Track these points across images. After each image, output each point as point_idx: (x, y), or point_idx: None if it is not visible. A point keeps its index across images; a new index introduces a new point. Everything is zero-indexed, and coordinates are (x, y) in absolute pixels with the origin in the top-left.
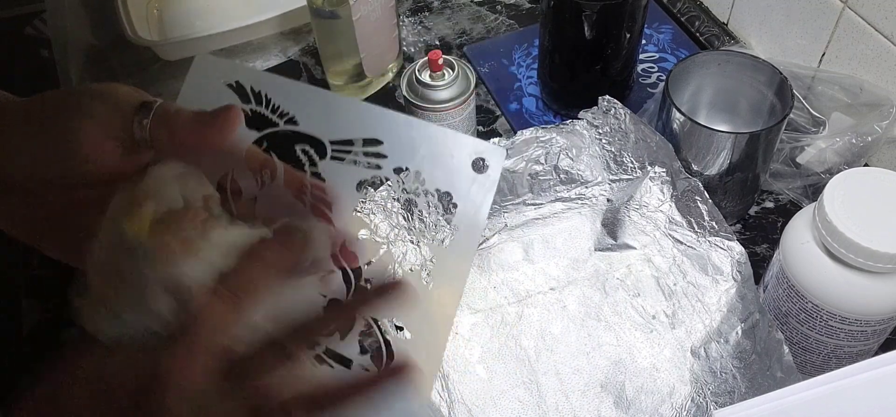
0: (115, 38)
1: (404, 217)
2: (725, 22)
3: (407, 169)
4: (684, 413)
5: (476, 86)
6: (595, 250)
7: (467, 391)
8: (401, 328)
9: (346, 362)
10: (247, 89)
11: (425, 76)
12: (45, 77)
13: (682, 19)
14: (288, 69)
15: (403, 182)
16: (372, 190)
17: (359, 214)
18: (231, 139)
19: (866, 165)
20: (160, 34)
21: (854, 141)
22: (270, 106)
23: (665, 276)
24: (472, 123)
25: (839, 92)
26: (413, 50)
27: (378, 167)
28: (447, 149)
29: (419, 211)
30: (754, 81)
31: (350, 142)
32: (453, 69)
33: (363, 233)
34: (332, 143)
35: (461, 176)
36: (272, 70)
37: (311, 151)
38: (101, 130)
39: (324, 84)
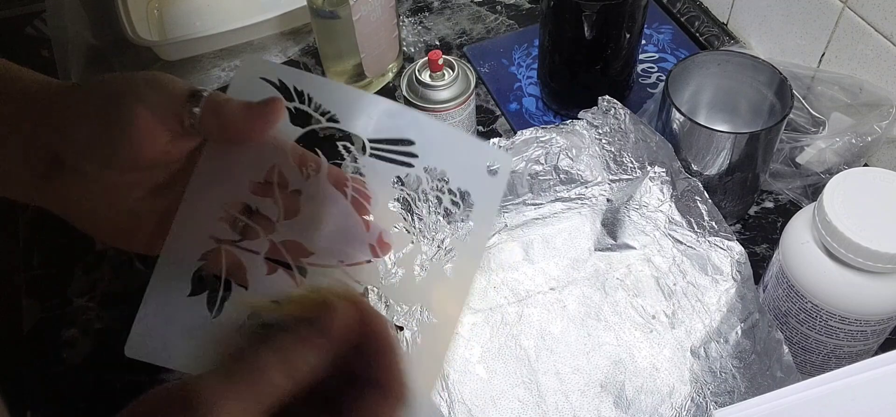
0: (115, 38)
1: (403, 217)
2: (725, 22)
3: (434, 168)
4: (684, 413)
5: (476, 86)
6: (595, 250)
7: (467, 391)
8: (401, 328)
9: None
10: (290, 88)
11: (425, 76)
12: None
13: (682, 19)
14: None
15: (430, 179)
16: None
17: (393, 208)
18: (274, 129)
19: (866, 165)
20: (160, 34)
21: (854, 141)
22: (312, 104)
23: (665, 276)
24: (472, 124)
25: (839, 92)
26: (413, 50)
27: (410, 165)
28: (467, 152)
29: (418, 211)
30: (754, 81)
31: (386, 140)
32: (453, 69)
33: (397, 227)
34: (371, 141)
35: (478, 177)
36: None
37: (352, 148)
38: (154, 117)
39: None
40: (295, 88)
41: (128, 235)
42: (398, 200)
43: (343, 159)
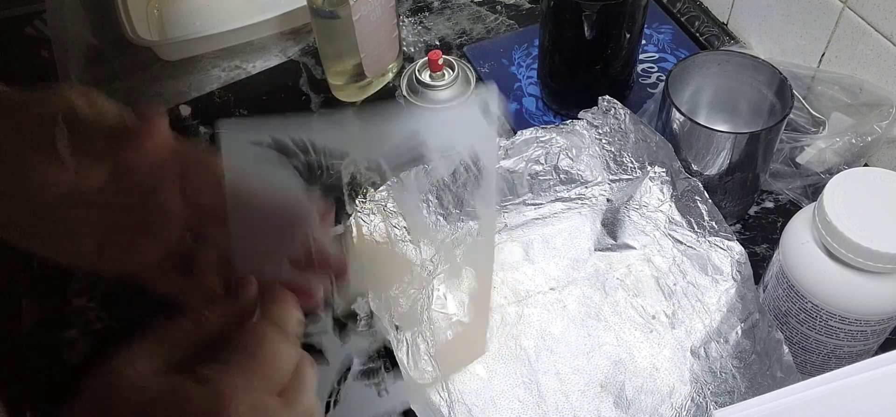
0: (115, 38)
1: (438, 215)
2: (725, 22)
3: (442, 145)
4: (684, 413)
5: (476, 86)
6: (595, 250)
7: (467, 391)
8: (397, 327)
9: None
10: (289, 143)
11: (425, 76)
12: (45, 77)
13: (682, 19)
14: (288, 69)
15: (448, 161)
16: (372, 190)
17: (398, 234)
18: (157, 144)
19: (866, 165)
20: (160, 34)
21: (854, 141)
22: (317, 151)
23: (665, 276)
24: None
25: (839, 92)
26: (413, 50)
27: (422, 155)
28: (459, 116)
29: (446, 200)
30: (754, 81)
31: (397, 146)
32: (453, 69)
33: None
34: (383, 156)
35: (478, 131)
36: (272, 70)
37: (374, 175)
38: (40, 156)
39: (324, 84)
40: (294, 142)
41: (68, 251)
42: (364, 203)
43: (372, 187)
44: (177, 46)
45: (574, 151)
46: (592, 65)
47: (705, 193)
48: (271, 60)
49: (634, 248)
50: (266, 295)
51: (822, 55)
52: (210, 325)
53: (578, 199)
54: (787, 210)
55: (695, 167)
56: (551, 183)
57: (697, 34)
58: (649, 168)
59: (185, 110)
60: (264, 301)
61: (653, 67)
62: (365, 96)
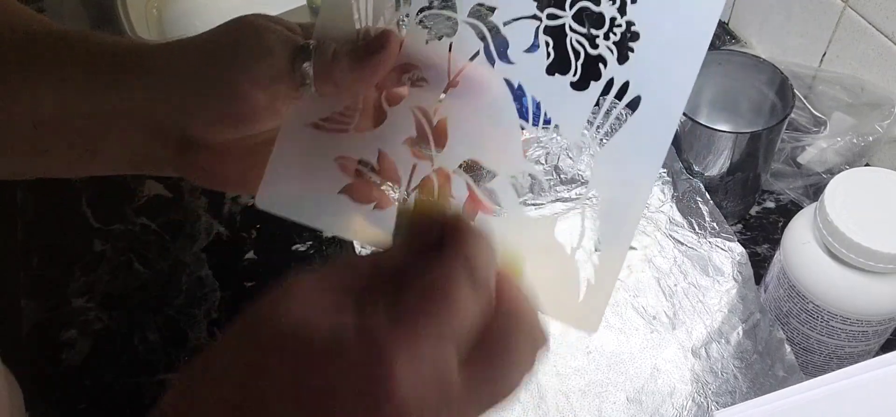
0: None
1: None
2: (726, 21)
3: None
4: (685, 413)
5: None
6: (595, 250)
7: None
8: None
9: None
10: None
11: None
12: None
13: None
14: None
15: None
16: None
17: None
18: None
19: (867, 164)
20: (160, 34)
21: (855, 141)
22: None
23: (666, 277)
24: None
25: (840, 92)
26: None
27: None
28: None
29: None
30: (755, 80)
31: None
32: None
33: None
34: None
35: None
36: None
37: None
38: (259, 84)
39: None
40: None
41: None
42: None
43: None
44: None
45: (574, 151)
46: None
47: (707, 193)
48: None
49: (635, 248)
50: (456, 229)
51: (824, 55)
52: (392, 259)
53: (579, 199)
54: (789, 210)
55: (696, 167)
56: (552, 183)
57: None
58: None
59: None
60: (454, 238)
61: None
62: None
